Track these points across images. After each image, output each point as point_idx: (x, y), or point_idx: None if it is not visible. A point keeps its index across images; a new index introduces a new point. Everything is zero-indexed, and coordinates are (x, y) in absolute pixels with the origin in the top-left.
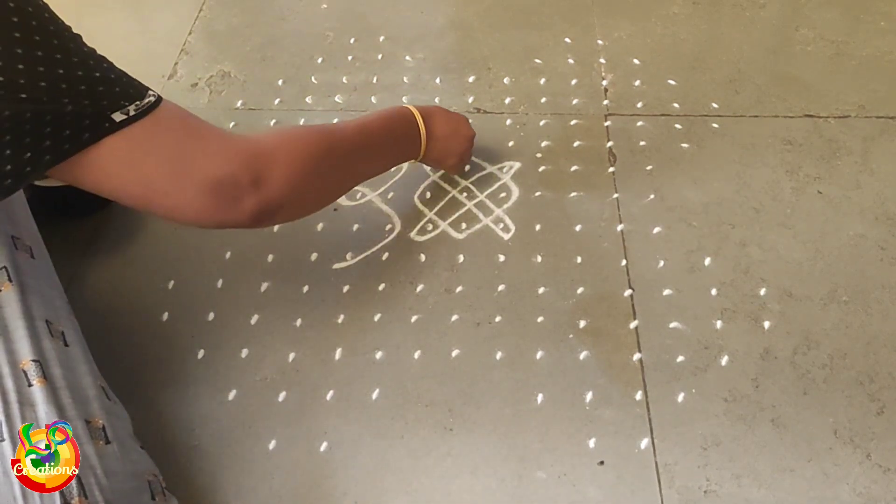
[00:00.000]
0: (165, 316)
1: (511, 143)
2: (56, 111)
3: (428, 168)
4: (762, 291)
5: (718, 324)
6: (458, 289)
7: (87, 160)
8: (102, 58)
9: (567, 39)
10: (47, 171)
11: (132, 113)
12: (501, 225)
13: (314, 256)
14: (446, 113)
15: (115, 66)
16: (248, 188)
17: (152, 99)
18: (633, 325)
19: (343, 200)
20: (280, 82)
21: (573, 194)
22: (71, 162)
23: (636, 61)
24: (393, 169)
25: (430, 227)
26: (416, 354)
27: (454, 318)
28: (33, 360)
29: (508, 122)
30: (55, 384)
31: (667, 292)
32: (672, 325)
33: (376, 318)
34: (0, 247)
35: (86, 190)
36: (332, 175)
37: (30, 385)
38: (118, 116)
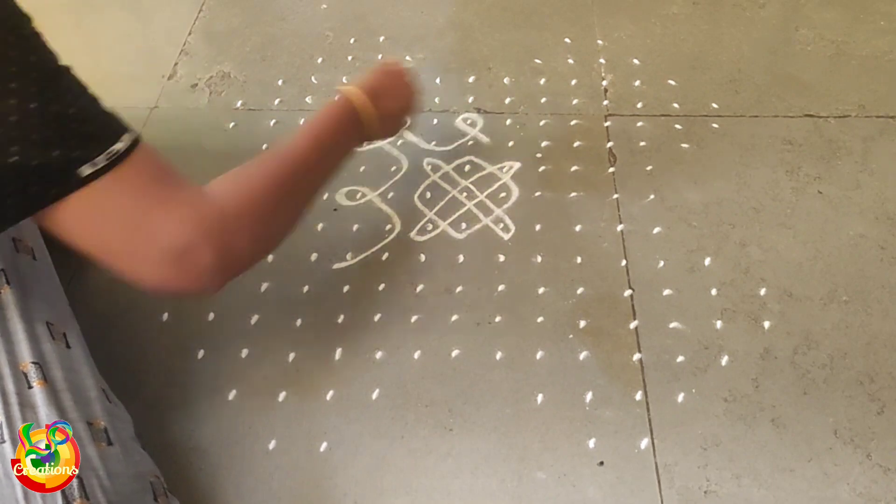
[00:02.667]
0: (165, 316)
1: (511, 143)
2: (24, 165)
3: (428, 168)
4: (762, 291)
5: (718, 324)
6: (458, 289)
7: (50, 214)
8: (82, 93)
9: (567, 39)
10: (11, 225)
11: (100, 165)
12: (501, 225)
13: (314, 256)
14: (385, 78)
15: (96, 102)
16: (215, 260)
17: (121, 147)
18: (633, 325)
19: (343, 200)
20: (280, 82)
21: (573, 194)
22: (36, 215)
23: (636, 61)
24: (393, 168)
25: (430, 227)
26: (416, 354)
27: (454, 318)
28: (33, 363)
29: (508, 122)
30: (56, 386)
31: (667, 292)
32: (672, 325)
33: (376, 318)
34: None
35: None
36: (297, 207)
37: (30, 387)
38: (86, 170)
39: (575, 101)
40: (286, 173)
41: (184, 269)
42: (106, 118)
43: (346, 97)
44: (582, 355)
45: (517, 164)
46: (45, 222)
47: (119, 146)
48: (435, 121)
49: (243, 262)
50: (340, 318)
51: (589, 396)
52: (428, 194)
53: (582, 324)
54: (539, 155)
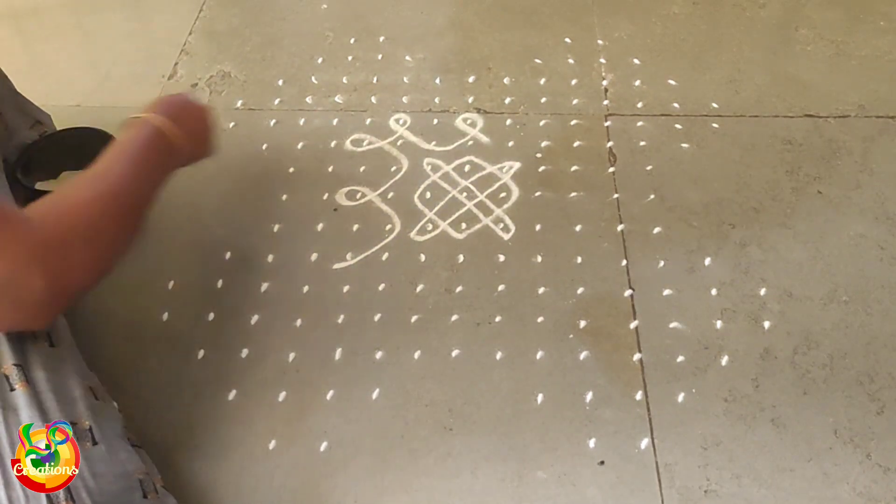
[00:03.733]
0: (165, 316)
1: (511, 143)
2: None
3: (428, 168)
4: (762, 291)
5: (718, 324)
6: (458, 289)
7: None
8: None
9: (567, 39)
10: None
11: None
12: (501, 225)
13: (314, 256)
14: (174, 101)
15: None
16: (45, 287)
17: None
18: (633, 325)
19: (343, 200)
20: (280, 82)
21: (573, 194)
22: None
23: (636, 61)
24: (393, 168)
25: (430, 227)
26: (416, 354)
27: (454, 318)
28: (15, 365)
29: (508, 122)
30: (38, 387)
31: (667, 292)
32: (672, 325)
33: (376, 318)
34: None
35: None
36: (122, 228)
37: (12, 389)
38: None
39: (575, 101)
40: (105, 194)
41: (12, 301)
42: None
43: (145, 122)
44: (582, 355)
45: (517, 164)
46: None
47: None
48: (435, 121)
49: (74, 287)
50: (340, 318)
51: (589, 396)
52: (428, 194)
53: (582, 324)
54: (539, 155)
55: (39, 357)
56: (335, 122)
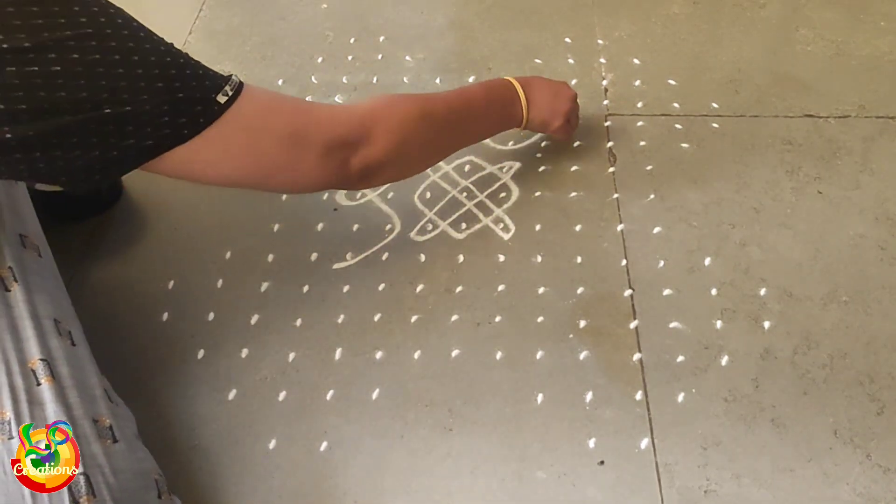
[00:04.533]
0: (165, 316)
1: (511, 143)
2: (169, 100)
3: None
4: (762, 291)
5: (718, 324)
6: (458, 289)
7: (195, 148)
8: (180, 51)
9: (567, 39)
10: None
11: (230, 93)
12: (501, 225)
13: (314, 256)
14: (545, 80)
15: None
16: (356, 148)
17: (236, 79)
18: (633, 325)
19: (343, 200)
20: (280, 82)
21: (573, 194)
22: (179, 152)
23: (636, 61)
24: None
25: (430, 227)
26: (416, 354)
27: (454, 318)
28: (41, 360)
29: None
30: (63, 383)
31: (667, 292)
32: (672, 325)
33: (376, 318)
34: (7, 245)
35: (189, 180)
36: (432, 137)
37: (38, 384)
38: (221, 98)
39: None
40: (420, 104)
41: (336, 160)
42: (205, 68)
43: (500, 78)
44: (582, 355)
45: (517, 164)
46: (167, 165)
47: (234, 78)
48: None
49: (382, 155)
50: (340, 318)
51: (589, 396)
52: (428, 194)
53: (582, 324)
54: (539, 155)
55: (63, 353)
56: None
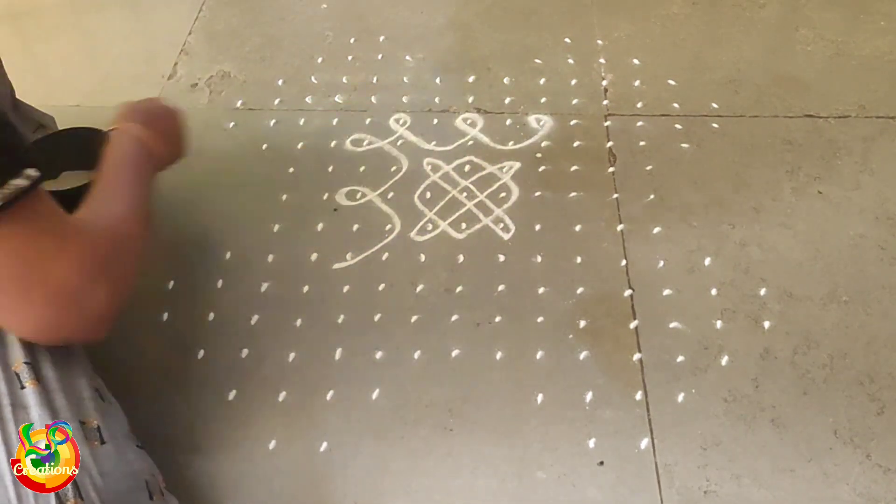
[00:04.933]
0: (165, 316)
1: (511, 143)
2: None
3: (428, 168)
4: (762, 291)
5: (718, 324)
6: (458, 289)
7: None
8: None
9: (567, 39)
10: None
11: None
12: (501, 225)
13: (314, 256)
14: (146, 110)
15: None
16: (105, 297)
17: (23, 184)
18: (633, 325)
19: (343, 200)
20: (280, 82)
21: (573, 194)
22: None
23: (636, 61)
24: (393, 168)
25: (430, 227)
26: (416, 354)
27: (454, 318)
28: (25, 363)
29: (508, 122)
30: (48, 386)
31: (667, 292)
32: (672, 325)
33: (376, 318)
34: None
35: None
36: (145, 236)
37: (22, 387)
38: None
39: (575, 101)
40: (133, 207)
41: (79, 310)
42: (11, 146)
43: (126, 132)
44: (582, 355)
45: (517, 164)
46: None
47: (21, 182)
48: (435, 121)
49: (124, 297)
50: (340, 318)
51: (589, 396)
52: (428, 194)
53: (582, 324)
54: (539, 155)
55: (49, 356)
56: (335, 122)
